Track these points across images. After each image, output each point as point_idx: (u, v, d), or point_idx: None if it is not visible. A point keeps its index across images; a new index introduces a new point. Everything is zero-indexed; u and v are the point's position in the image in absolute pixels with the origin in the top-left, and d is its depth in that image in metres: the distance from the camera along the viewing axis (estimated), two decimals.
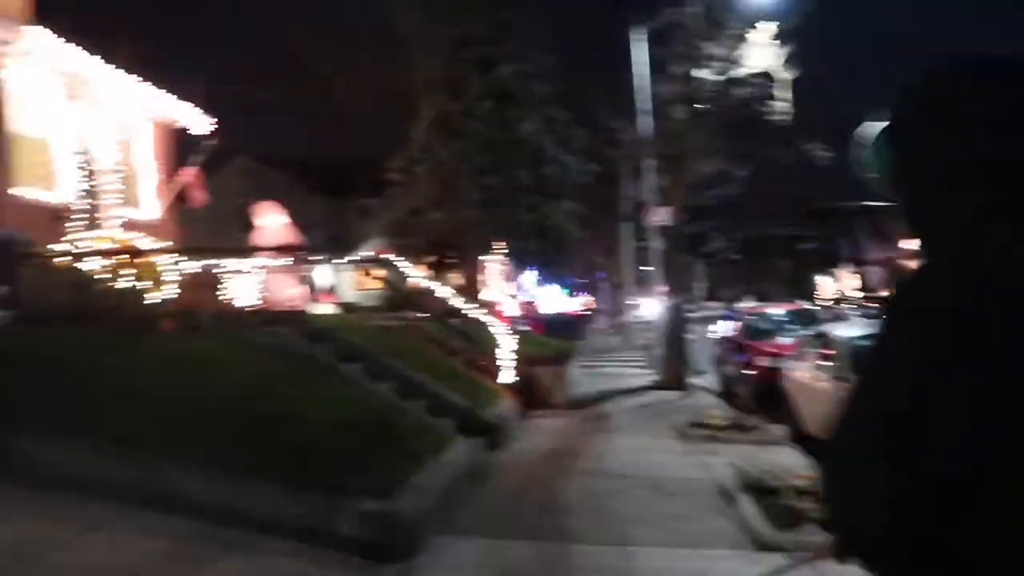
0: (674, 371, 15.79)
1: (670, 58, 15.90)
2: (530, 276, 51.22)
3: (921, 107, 1.12)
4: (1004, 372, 0.89)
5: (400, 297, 12.76)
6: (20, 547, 4.04)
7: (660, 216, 14.98)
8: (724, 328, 17.24)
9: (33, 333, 6.59)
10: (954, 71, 1.11)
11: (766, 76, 15.27)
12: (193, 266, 11.00)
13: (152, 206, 14.67)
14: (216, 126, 15.50)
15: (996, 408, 0.89)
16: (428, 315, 12.37)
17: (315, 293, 16.40)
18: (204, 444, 5.15)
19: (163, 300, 9.85)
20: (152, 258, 10.18)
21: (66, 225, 11.77)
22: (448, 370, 10.31)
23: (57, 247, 9.78)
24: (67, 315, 7.13)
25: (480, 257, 22.34)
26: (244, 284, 12.75)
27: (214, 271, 11.72)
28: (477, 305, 14.03)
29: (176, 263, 10.63)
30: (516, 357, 12.63)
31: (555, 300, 52.17)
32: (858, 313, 19.67)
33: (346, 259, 13.58)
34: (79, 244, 9.99)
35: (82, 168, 12.50)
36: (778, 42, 15.90)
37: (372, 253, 15.20)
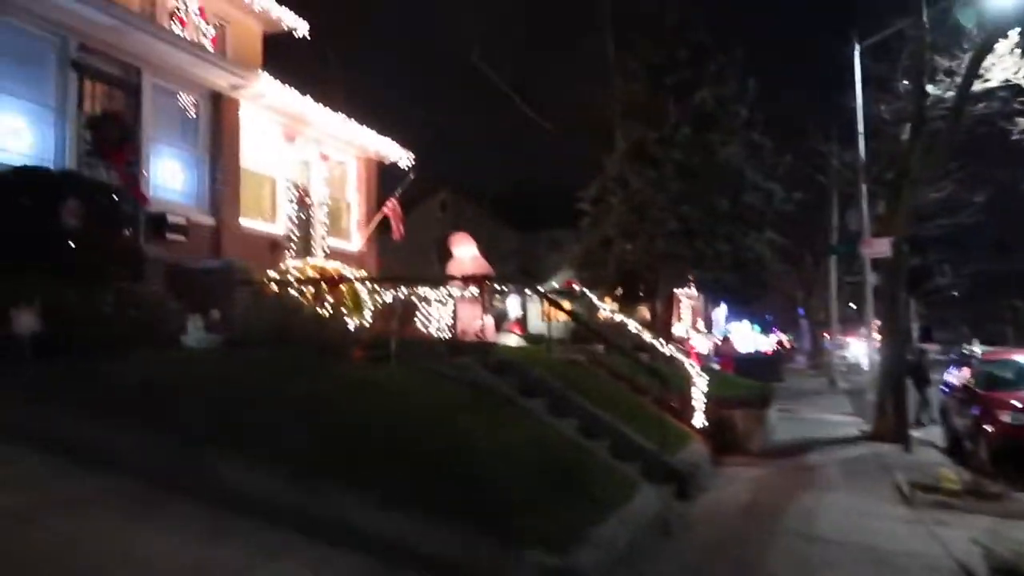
0: (891, 421, 14.02)
1: (895, 74, 14.36)
2: (722, 311, 48.89)
3: None
4: None
5: (587, 330, 12.38)
6: (204, 573, 4.06)
7: (879, 248, 13.43)
8: (953, 375, 15.10)
9: (235, 356, 6.95)
10: None
11: (1011, 90, 13.31)
12: (388, 294, 11.39)
13: (355, 237, 15.52)
14: (415, 161, 16.20)
15: None
16: (615, 349, 11.87)
17: (503, 323, 16.51)
18: (380, 474, 5.04)
19: (359, 327, 10.22)
20: (351, 286, 10.62)
21: (281, 254, 12.72)
22: (635, 409, 9.72)
23: (270, 274, 10.46)
24: (270, 339, 7.48)
25: (671, 290, 21.52)
26: (435, 313, 13.02)
27: (408, 299, 12.06)
28: (667, 340, 13.35)
29: (373, 291, 11.04)
30: (708, 398, 11.79)
31: (748, 337, 49.38)
32: None
33: (534, 290, 13.41)
34: (287, 272, 10.63)
35: (296, 201, 13.48)
36: None
37: (560, 284, 14.97)
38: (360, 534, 4.57)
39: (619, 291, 21.29)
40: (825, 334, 39.66)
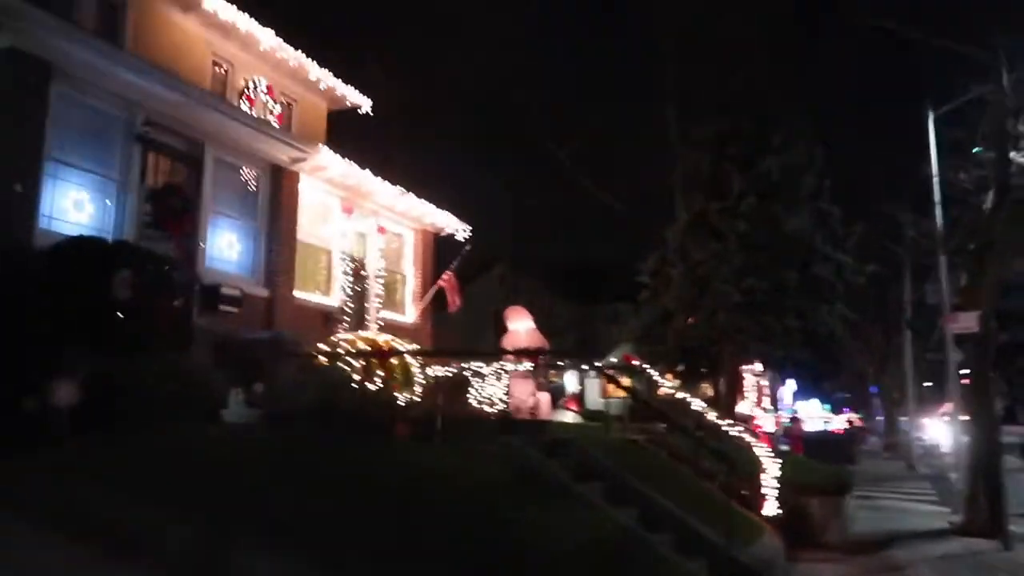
0: (985, 513, 12.77)
1: (974, 140, 13.71)
2: (789, 388, 46.91)
3: None
4: None
5: (647, 407, 11.75)
6: None
7: (966, 322, 12.52)
8: None
9: (272, 433, 6.65)
10: None
11: None
12: (440, 368, 11.05)
13: (410, 309, 15.36)
14: (473, 234, 16.11)
15: None
16: (678, 428, 11.17)
17: (560, 399, 15.94)
18: (416, 569, 4.57)
19: (407, 402, 9.86)
20: (401, 359, 10.32)
21: (334, 327, 12.59)
22: (700, 495, 9.00)
23: (319, 347, 10.26)
24: (313, 414, 7.18)
25: (736, 367, 20.59)
26: (488, 388, 12.60)
27: (460, 374, 11.69)
28: (732, 420, 12.57)
29: (423, 365, 10.72)
30: (780, 482, 10.94)
31: (816, 416, 47.20)
32: None
33: (591, 365, 12.89)
34: (337, 344, 10.42)
35: (351, 273, 13.43)
36: None
37: (618, 359, 14.41)
38: None
39: (680, 368, 20.48)
40: (900, 414, 37.53)
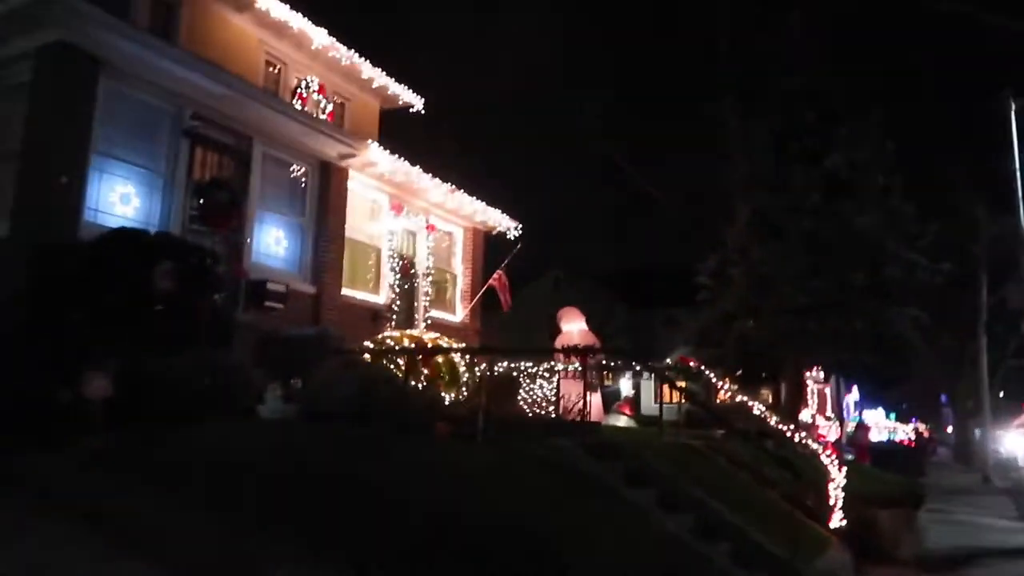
0: None
1: None
2: (853, 396, 45.14)
3: None
4: None
5: (705, 411, 11.19)
6: None
7: None
8: None
9: (308, 429, 6.41)
10: None
11: None
12: (487, 367, 10.73)
13: (459, 308, 15.09)
14: (526, 236, 15.74)
15: None
16: (737, 434, 10.59)
17: (614, 404, 15.46)
18: None
19: (453, 401, 9.56)
20: (447, 357, 10.04)
21: (382, 325, 12.40)
22: (761, 505, 8.44)
23: (364, 344, 10.05)
24: (352, 411, 6.92)
25: (799, 372, 19.72)
26: (539, 389, 12.22)
27: (508, 373, 11.35)
28: (795, 426, 11.91)
29: (471, 363, 10.41)
30: (847, 493, 10.26)
31: (882, 425, 45.41)
32: None
33: (644, 365, 12.38)
34: (383, 342, 10.20)
35: (399, 271, 13.23)
36: None
37: (674, 361, 13.85)
38: None
39: (739, 373, 19.71)
40: (974, 425, 35.73)
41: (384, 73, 15.10)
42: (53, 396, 6.01)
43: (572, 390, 11.12)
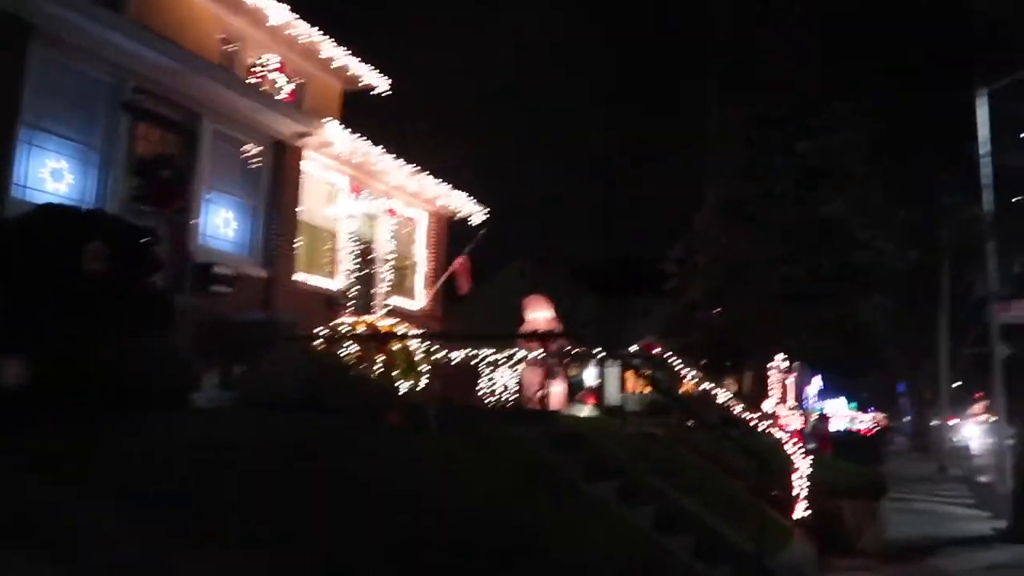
0: None
1: None
2: (815, 386, 45.52)
3: None
4: None
5: (669, 399, 10.97)
6: None
7: (1019, 311, 11.54)
8: None
9: (245, 419, 6.00)
10: None
11: None
12: (448, 355, 10.37)
13: (420, 296, 14.69)
14: (492, 222, 15.35)
15: None
16: (701, 423, 10.38)
17: (578, 393, 15.19)
18: None
19: (410, 390, 9.19)
20: (403, 345, 9.65)
21: (338, 311, 11.95)
22: (724, 496, 8.23)
23: (316, 331, 9.62)
24: (298, 400, 6.52)
25: (764, 361, 19.65)
26: (500, 378, 11.91)
27: (468, 362, 11.02)
28: (760, 415, 11.75)
29: (429, 352, 10.04)
30: (811, 484, 10.12)
31: (842, 415, 45.96)
32: None
33: (608, 350, 12.12)
34: (337, 328, 9.78)
35: (358, 256, 12.78)
36: None
37: (639, 349, 13.62)
38: None
39: (704, 362, 19.57)
40: (931, 414, 36.28)
41: (347, 53, 14.57)
42: None
43: (534, 378, 10.83)
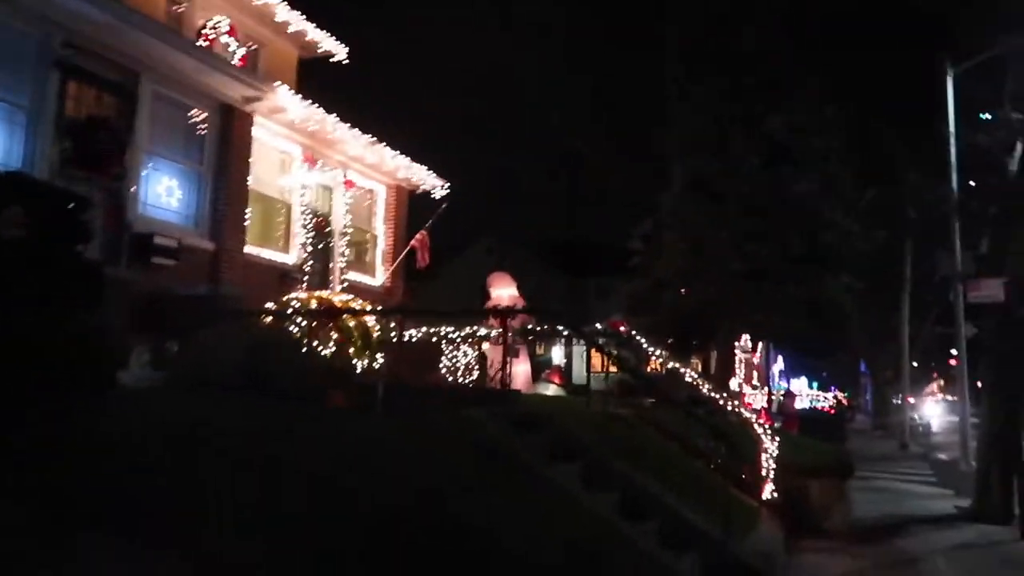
0: (997, 498, 11.84)
1: (1000, 99, 12.50)
2: (778, 366, 45.98)
3: None
4: None
5: (636, 378, 10.65)
6: None
7: (989, 290, 11.41)
8: None
9: (173, 399, 5.51)
10: None
11: None
12: (407, 333, 9.90)
13: (380, 272, 14.17)
14: (456, 198, 14.82)
15: None
16: (668, 403, 10.09)
17: (543, 372, 14.84)
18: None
19: (362, 369, 8.72)
20: (359, 321, 9.17)
21: (292, 286, 11.39)
22: (691, 478, 7.94)
23: (266, 306, 9.09)
24: (236, 379, 6.03)
25: (731, 340, 19.53)
26: (462, 357, 11.48)
27: (430, 339, 10.56)
28: (726, 395, 11.51)
29: (385, 328, 9.57)
30: (778, 464, 9.92)
31: (804, 394, 46.54)
32: None
33: (572, 328, 11.75)
34: (288, 304, 9.25)
35: (313, 229, 12.21)
36: None
37: (606, 326, 13.28)
38: None
39: (670, 341, 19.36)
40: (892, 393, 36.82)
41: (303, 18, 13.86)
42: None
43: (498, 356, 10.42)
